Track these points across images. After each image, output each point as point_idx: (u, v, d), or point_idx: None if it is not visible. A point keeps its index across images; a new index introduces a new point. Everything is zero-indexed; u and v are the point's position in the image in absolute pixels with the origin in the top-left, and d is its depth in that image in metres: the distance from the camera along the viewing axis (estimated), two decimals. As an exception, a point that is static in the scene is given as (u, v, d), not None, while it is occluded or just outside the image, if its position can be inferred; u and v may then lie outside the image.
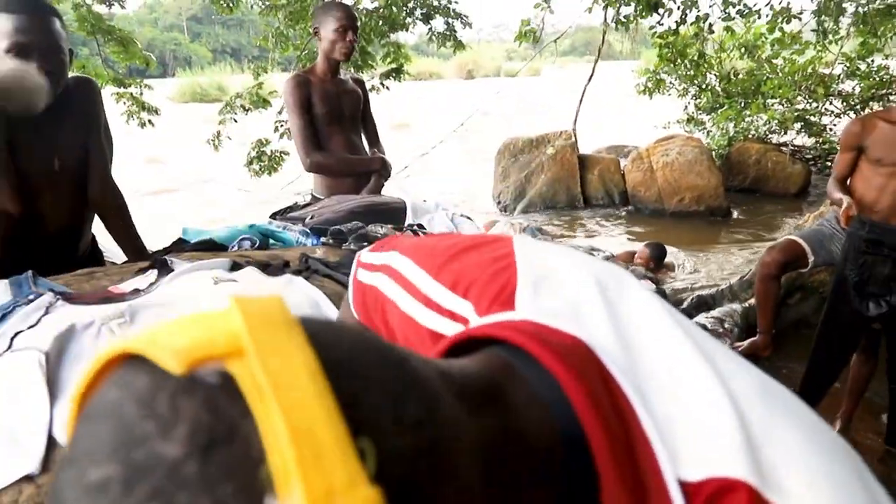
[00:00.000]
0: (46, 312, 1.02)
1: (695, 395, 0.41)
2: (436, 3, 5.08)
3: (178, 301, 1.06)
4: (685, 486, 0.38)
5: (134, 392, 0.25)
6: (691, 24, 6.04)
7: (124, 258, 1.92)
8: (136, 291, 1.12)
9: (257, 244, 1.74)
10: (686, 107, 7.90)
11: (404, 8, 5.00)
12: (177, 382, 0.25)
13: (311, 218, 2.00)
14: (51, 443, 0.85)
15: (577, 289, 0.48)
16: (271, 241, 1.83)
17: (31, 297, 1.09)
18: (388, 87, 5.56)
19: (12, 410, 0.87)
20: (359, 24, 2.69)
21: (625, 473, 0.38)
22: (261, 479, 0.22)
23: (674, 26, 5.93)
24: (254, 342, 0.26)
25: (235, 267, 1.28)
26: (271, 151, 5.47)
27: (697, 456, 0.39)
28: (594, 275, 0.49)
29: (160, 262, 1.22)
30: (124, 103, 5.53)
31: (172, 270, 1.22)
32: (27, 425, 0.85)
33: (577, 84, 7.27)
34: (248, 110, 5.30)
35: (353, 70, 5.83)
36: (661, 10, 5.57)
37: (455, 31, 5.09)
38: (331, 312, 1.21)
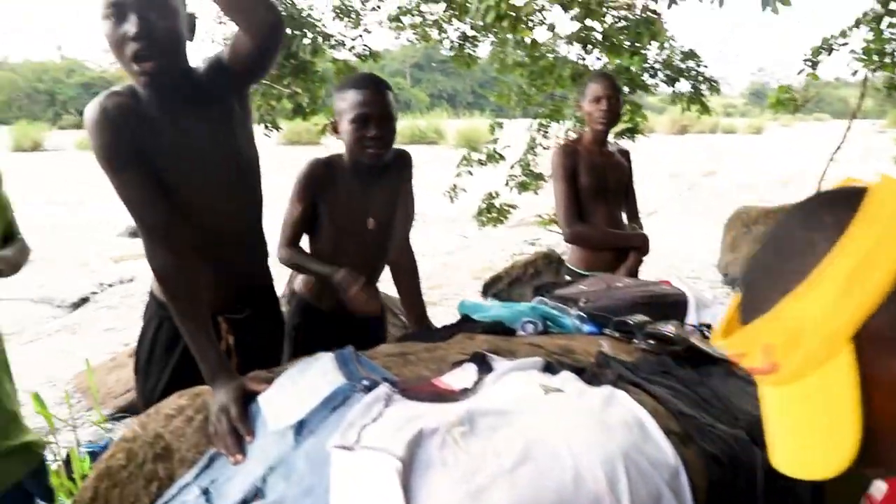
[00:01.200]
0: (386, 405, 1.02)
1: None
2: (682, 66, 4.87)
3: (515, 412, 1.00)
4: None
5: None
6: None
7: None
8: (466, 391, 1.09)
9: (539, 327, 1.69)
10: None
11: (649, 70, 4.84)
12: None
13: (585, 301, 1.91)
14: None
15: None
16: (549, 323, 1.76)
17: (366, 383, 1.09)
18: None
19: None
20: (620, 92, 2.61)
21: None
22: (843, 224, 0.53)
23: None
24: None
25: (549, 367, 1.21)
26: (500, 204, 5.59)
27: None
28: None
29: (478, 358, 1.19)
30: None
31: (491, 367, 1.18)
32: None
33: (805, 145, 6.62)
34: (483, 164, 5.47)
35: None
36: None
37: (702, 95, 4.83)
38: (657, 435, 1.09)
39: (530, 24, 4.43)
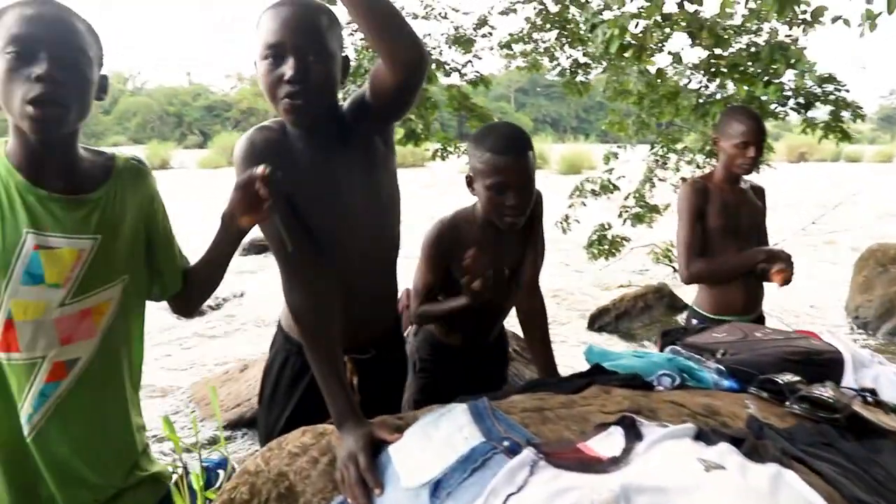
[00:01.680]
0: (531, 472, 0.94)
1: None
2: (818, 91, 4.51)
3: (674, 490, 0.90)
4: None
5: None
6: None
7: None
8: (615, 460, 0.99)
9: (676, 381, 1.56)
10: None
11: (779, 96, 4.53)
12: None
13: (723, 354, 1.76)
14: None
15: None
16: (685, 375, 1.63)
17: (507, 444, 1.03)
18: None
19: None
20: (766, 135, 2.42)
21: None
22: None
23: None
24: None
25: (702, 435, 1.10)
26: (612, 236, 5.40)
27: None
28: None
29: (626, 422, 1.09)
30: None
31: (639, 433, 1.08)
32: None
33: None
34: (597, 195, 5.32)
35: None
36: None
37: (841, 122, 4.45)
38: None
39: (652, 52, 4.27)
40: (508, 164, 1.57)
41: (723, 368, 1.66)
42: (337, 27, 1.31)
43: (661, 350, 1.94)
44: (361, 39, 5.51)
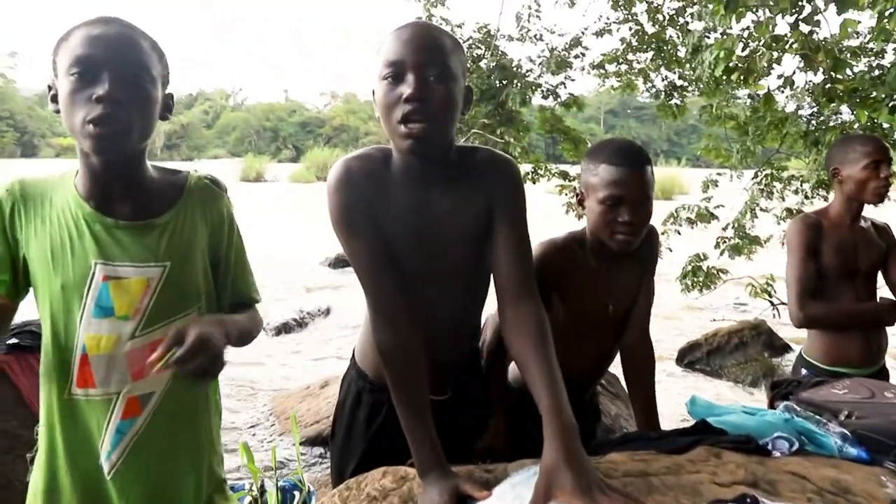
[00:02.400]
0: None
1: None
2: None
3: None
4: None
5: None
6: None
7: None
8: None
9: (795, 446, 1.39)
10: None
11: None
12: None
13: (848, 416, 1.56)
14: None
15: None
16: (805, 439, 1.45)
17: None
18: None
19: None
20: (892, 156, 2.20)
21: None
22: None
23: None
24: None
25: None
26: (708, 268, 5.09)
27: None
28: None
29: (747, 501, 0.95)
30: (566, 195, 5.81)
31: (763, 515, 0.94)
32: None
33: None
34: (693, 223, 5.06)
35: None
36: None
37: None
38: None
39: (760, 76, 4.02)
40: (624, 176, 1.46)
41: (848, 433, 1.47)
42: (460, 52, 1.21)
43: (772, 405, 1.76)
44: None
